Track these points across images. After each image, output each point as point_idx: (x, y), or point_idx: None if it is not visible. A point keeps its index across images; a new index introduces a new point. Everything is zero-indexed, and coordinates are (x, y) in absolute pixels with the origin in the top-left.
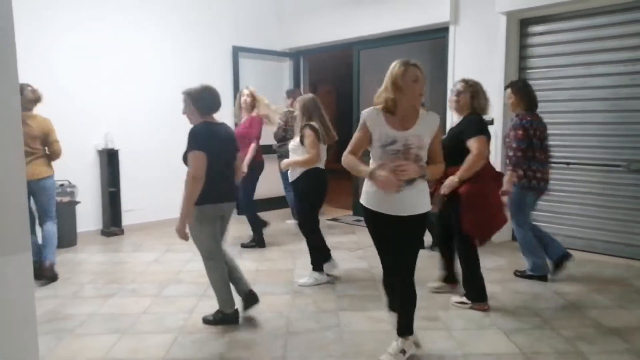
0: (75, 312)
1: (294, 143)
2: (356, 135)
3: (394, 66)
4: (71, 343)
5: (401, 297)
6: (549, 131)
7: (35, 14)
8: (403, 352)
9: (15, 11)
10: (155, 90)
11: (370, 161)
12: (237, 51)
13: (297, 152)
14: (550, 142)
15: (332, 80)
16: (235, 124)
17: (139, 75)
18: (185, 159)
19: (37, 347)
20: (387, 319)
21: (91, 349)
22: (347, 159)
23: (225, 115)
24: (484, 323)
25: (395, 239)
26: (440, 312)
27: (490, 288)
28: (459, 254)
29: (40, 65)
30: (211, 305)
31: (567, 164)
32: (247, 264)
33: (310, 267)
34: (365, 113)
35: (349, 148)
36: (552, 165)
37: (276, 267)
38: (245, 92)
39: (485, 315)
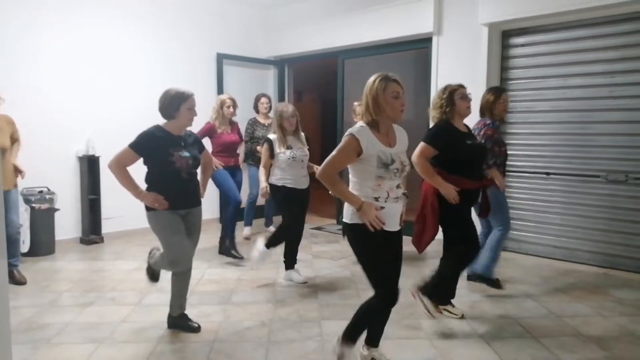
0: (52, 321)
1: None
2: (342, 153)
3: (373, 82)
4: (47, 353)
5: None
6: (530, 142)
7: (19, 19)
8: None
9: None
10: (138, 97)
11: (356, 180)
12: (221, 58)
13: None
14: (530, 152)
15: (316, 88)
16: (215, 132)
17: (123, 81)
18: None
19: (11, 358)
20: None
21: (68, 358)
22: (332, 176)
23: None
24: (465, 332)
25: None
26: (422, 321)
27: (471, 297)
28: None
29: (23, 70)
30: (193, 314)
31: (547, 174)
32: (230, 272)
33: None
34: (357, 132)
35: (332, 165)
36: (523, 174)
37: (259, 276)
38: (229, 101)
39: (466, 324)
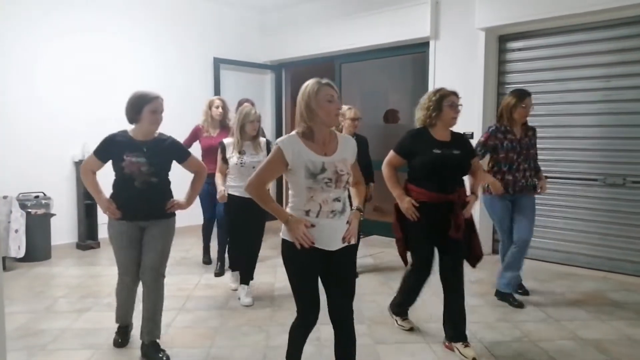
0: (47, 327)
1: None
2: (268, 165)
3: (305, 87)
4: (43, 359)
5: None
6: None
7: (14, 23)
8: None
9: None
10: None
11: (290, 192)
12: (218, 63)
13: None
14: None
15: None
16: (200, 135)
17: (119, 85)
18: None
19: None
20: (368, 333)
21: None
22: (258, 189)
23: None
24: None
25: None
26: (421, 325)
27: (470, 301)
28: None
29: (18, 74)
30: (189, 320)
31: (545, 177)
32: (226, 277)
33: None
34: (281, 142)
35: (258, 177)
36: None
37: (257, 283)
38: (218, 102)
39: (465, 329)
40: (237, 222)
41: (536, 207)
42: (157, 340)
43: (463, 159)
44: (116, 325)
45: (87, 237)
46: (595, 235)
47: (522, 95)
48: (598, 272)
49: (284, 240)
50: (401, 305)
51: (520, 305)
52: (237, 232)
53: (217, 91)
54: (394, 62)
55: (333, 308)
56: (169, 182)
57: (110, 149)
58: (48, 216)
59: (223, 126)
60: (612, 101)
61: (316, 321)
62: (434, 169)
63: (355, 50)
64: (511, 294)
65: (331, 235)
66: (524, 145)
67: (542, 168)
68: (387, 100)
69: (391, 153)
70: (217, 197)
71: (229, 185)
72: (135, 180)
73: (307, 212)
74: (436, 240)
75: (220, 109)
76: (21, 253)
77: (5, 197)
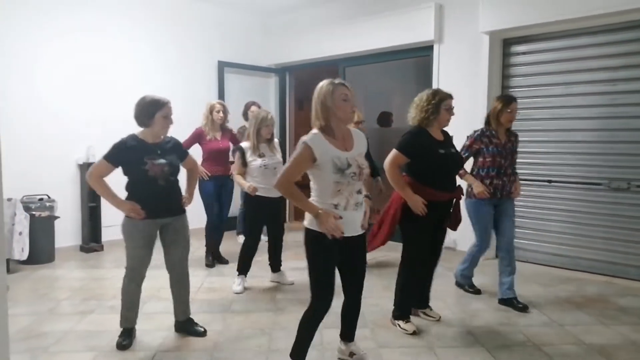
0: (50, 329)
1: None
2: (296, 163)
3: (321, 87)
4: None
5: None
6: (532, 149)
7: (16, 24)
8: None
9: None
10: None
11: (315, 187)
12: (222, 66)
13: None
14: (532, 160)
15: None
16: (204, 138)
17: (123, 88)
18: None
19: None
20: (370, 337)
21: None
22: (289, 187)
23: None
24: (467, 341)
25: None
26: (424, 328)
27: (474, 305)
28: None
29: (21, 76)
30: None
31: (549, 181)
32: (230, 280)
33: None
34: (309, 140)
35: (287, 175)
36: (525, 181)
37: (260, 285)
38: (218, 106)
39: (468, 333)
40: (257, 221)
41: (540, 210)
42: (190, 316)
43: (459, 157)
44: (119, 328)
45: (91, 240)
46: (599, 239)
47: (507, 100)
48: (602, 277)
49: (309, 230)
50: (401, 308)
51: (524, 308)
52: (255, 236)
53: (221, 94)
54: (398, 65)
55: (350, 287)
56: (178, 180)
57: (125, 154)
58: (52, 219)
59: (224, 129)
60: (617, 105)
61: (329, 307)
62: (440, 168)
63: (359, 53)
64: (515, 298)
65: (353, 224)
66: (508, 150)
67: (547, 172)
68: (391, 104)
69: (395, 152)
70: (248, 191)
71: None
72: (159, 179)
73: (336, 206)
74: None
75: (221, 114)
76: (25, 255)
77: (9, 200)
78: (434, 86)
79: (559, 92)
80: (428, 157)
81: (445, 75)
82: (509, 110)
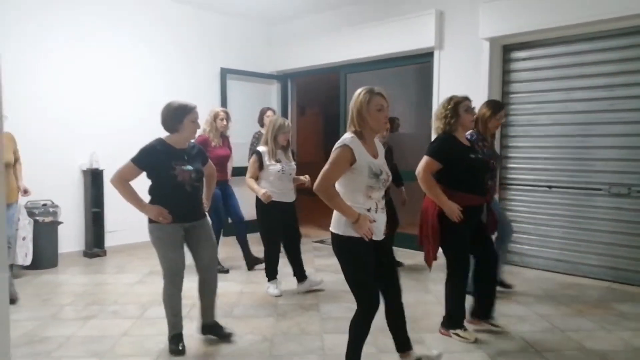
0: (53, 334)
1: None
2: (335, 165)
3: (358, 95)
4: None
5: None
6: (532, 155)
7: (21, 31)
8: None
9: (1, 28)
10: (142, 111)
11: (345, 192)
12: (225, 73)
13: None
14: (532, 166)
15: (319, 102)
16: (209, 146)
17: (127, 95)
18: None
19: None
20: (372, 342)
21: None
22: (328, 189)
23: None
24: (469, 347)
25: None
26: (426, 334)
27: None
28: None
29: (25, 82)
30: (194, 327)
31: (549, 187)
32: (232, 286)
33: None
34: (350, 141)
35: (328, 178)
36: (526, 187)
37: (261, 290)
38: (222, 114)
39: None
40: (275, 226)
41: (540, 216)
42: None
43: (489, 162)
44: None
45: (94, 245)
46: (600, 245)
47: (496, 108)
48: (603, 282)
49: (338, 236)
50: (453, 318)
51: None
52: (275, 240)
53: (223, 101)
54: (399, 72)
55: (388, 287)
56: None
57: (154, 158)
58: (55, 224)
59: (223, 136)
60: (617, 110)
61: (377, 308)
62: (473, 173)
63: (361, 60)
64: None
65: (380, 227)
66: (487, 153)
67: (547, 177)
68: (392, 110)
69: (427, 159)
70: (262, 198)
71: (270, 192)
72: (185, 185)
73: (368, 210)
74: None
75: (224, 121)
76: (28, 261)
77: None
78: (434, 92)
79: (559, 97)
80: (460, 161)
81: (445, 81)
82: (497, 118)
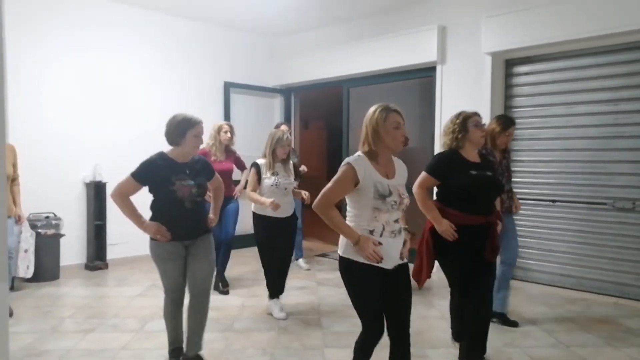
0: (52, 347)
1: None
2: (338, 184)
3: (374, 112)
4: None
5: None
6: (535, 169)
7: (25, 43)
8: None
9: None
10: (146, 124)
11: (352, 212)
12: (228, 87)
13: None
14: (536, 180)
15: (322, 116)
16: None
17: (130, 108)
18: None
19: None
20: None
21: None
22: (327, 209)
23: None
24: None
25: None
26: (428, 350)
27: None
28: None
29: (29, 95)
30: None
31: (553, 201)
32: (233, 299)
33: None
34: (354, 161)
35: (328, 197)
36: (530, 201)
37: (262, 304)
38: (226, 127)
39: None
40: (269, 242)
41: (544, 230)
42: (200, 353)
43: (496, 181)
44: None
45: (96, 258)
46: (605, 259)
47: (507, 124)
48: (609, 298)
49: (344, 259)
50: (459, 333)
51: (515, 323)
52: (270, 256)
53: (227, 114)
54: (401, 86)
55: (392, 323)
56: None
57: (154, 172)
58: (57, 237)
59: (228, 151)
60: (620, 125)
61: (382, 334)
62: (472, 191)
63: (363, 74)
64: (504, 314)
65: (391, 254)
66: (503, 167)
67: (551, 192)
68: None
69: (424, 175)
70: (269, 207)
71: (263, 209)
72: (185, 201)
73: (372, 232)
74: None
75: (228, 134)
76: (30, 273)
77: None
78: (437, 106)
79: (562, 112)
80: (458, 178)
81: (448, 95)
82: (507, 134)
